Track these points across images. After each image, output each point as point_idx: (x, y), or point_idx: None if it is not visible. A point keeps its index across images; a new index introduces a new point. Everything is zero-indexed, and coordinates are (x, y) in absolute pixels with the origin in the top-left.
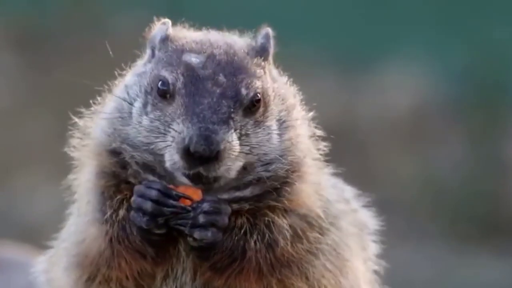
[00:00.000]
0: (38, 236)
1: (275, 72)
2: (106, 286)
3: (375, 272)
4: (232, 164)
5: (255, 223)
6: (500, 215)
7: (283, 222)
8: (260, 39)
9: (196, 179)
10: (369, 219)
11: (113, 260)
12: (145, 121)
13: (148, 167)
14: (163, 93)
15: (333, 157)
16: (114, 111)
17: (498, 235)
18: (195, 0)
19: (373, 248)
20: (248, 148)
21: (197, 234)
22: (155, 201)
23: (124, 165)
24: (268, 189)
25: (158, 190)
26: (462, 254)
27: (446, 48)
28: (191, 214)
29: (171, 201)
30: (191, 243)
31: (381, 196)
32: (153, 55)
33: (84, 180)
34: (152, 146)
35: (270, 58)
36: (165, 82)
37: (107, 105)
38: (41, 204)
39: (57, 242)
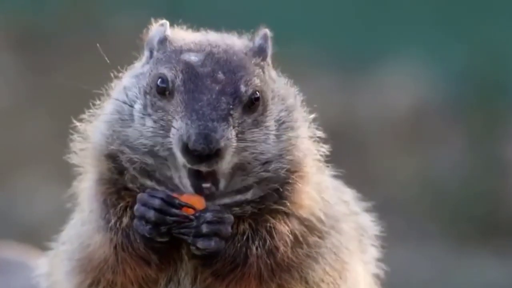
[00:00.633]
0: (38, 236)
1: (274, 73)
2: None
3: (375, 275)
4: (231, 160)
5: (257, 229)
6: (500, 215)
7: (284, 228)
8: (258, 40)
9: (199, 179)
10: (369, 223)
11: (117, 267)
12: (149, 122)
13: (145, 172)
14: (162, 90)
15: (332, 158)
16: (114, 113)
17: (498, 235)
18: (195, 0)
19: (373, 251)
20: (243, 145)
21: (200, 244)
22: (158, 210)
23: (121, 171)
24: (270, 190)
25: (161, 199)
26: (462, 254)
27: (446, 48)
28: (194, 223)
29: (174, 210)
30: (194, 251)
31: (381, 196)
32: (151, 56)
33: (86, 186)
34: (156, 148)
35: (269, 58)
36: (164, 80)
37: (106, 108)
38: (41, 204)
39: (57, 244)
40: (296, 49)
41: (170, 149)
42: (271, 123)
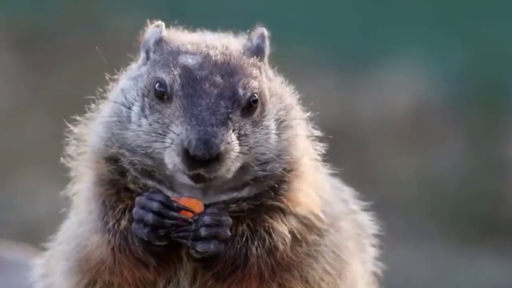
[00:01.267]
0: (37, 236)
1: (270, 72)
2: None
3: (374, 274)
4: (232, 165)
5: (255, 229)
6: (500, 215)
7: (282, 227)
8: (255, 40)
9: (196, 179)
10: (367, 222)
11: (115, 268)
12: (144, 123)
13: (146, 173)
14: (160, 94)
15: (332, 157)
16: (112, 115)
17: (498, 235)
18: (195, 0)
19: (372, 250)
20: (247, 148)
21: (199, 247)
22: (156, 213)
23: (122, 172)
24: (265, 188)
25: (160, 202)
26: (462, 254)
27: (446, 48)
28: (193, 226)
29: (172, 213)
30: (194, 255)
31: (381, 196)
32: (147, 57)
33: (84, 188)
34: (150, 150)
35: (266, 58)
36: (162, 84)
37: (103, 110)
38: (40, 204)
39: (54, 244)
40: (296, 49)
41: (161, 152)
42: (270, 122)
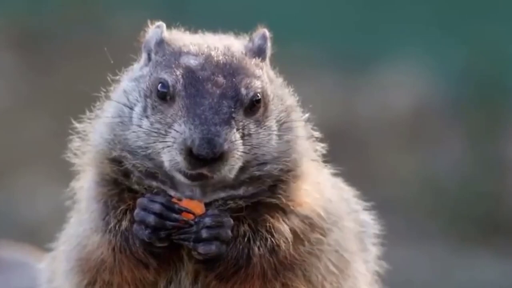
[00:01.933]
0: (38, 236)
1: (272, 73)
2: None
3: (376, 273)
4: (235, 164)
5: (257, 229)
6: (500, 215)
7: (283, 225)
8: (257, 40)
9: (195, 178)
10: (369, 221)
11: (115, 268)
12: (145, 123)
13: (150, 174)
14: (163, 95)
15: (332, 157)
16: (115, 116)
17: (498, 235)
18: (195, 0)
19: (374, 250)
20: (249, 147)
21: (201, 249)
22: (157, 215)
23: (126, 173)
24: (263, 187)
25: (161, 203)
26: (461, 254)
27: (446, 48)
28: (194, 228)
29: (174, 215)
30: (196, 256)
31: (381, 196)
32: (149, 58)
33: (86, 187)
34: (149, 151)
35: (267, 59)
36: (165, 85)
37: (107, 110)
38: (41, 204)
39: (57, 244)
40: (296, 49)
41: (161, 151)
42: (272, 123)
